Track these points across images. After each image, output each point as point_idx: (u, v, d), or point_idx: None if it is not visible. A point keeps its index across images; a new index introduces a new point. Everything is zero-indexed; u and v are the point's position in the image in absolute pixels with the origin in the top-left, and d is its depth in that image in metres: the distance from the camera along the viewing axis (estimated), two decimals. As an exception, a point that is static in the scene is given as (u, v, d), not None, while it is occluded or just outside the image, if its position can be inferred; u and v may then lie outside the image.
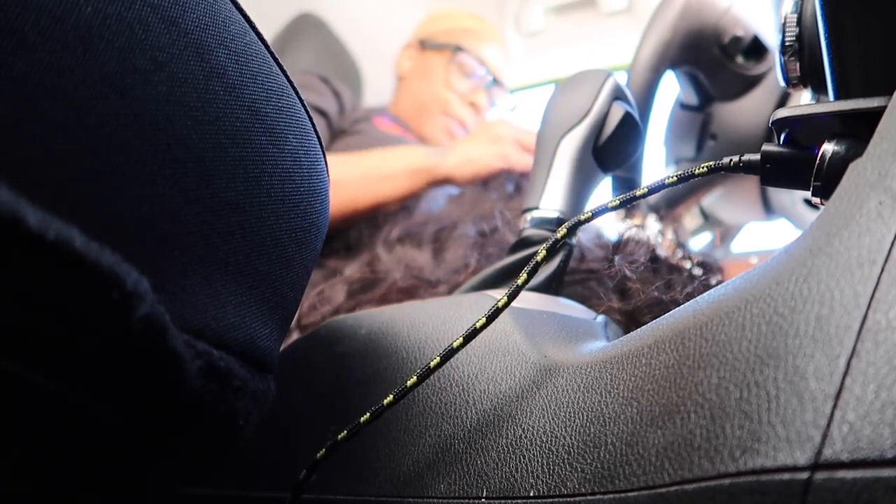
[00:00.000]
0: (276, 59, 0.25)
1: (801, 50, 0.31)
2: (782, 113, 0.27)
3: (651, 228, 0.60)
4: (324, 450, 0.28)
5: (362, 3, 1.44)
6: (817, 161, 0.26)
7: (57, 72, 0.18)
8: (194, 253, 0.22)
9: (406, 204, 0.79)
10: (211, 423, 0.24)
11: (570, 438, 0.24)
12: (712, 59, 0.69)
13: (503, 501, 0.25)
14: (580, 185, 0.44)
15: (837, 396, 0.16)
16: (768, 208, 0.77)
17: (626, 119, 0.45)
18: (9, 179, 0.16)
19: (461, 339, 0.27)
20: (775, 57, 0.38)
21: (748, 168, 0.29)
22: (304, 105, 0.27)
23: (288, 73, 0.26)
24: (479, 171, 0.80)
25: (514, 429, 0.26)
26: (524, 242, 0.43)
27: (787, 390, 0.17)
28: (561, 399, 0.25)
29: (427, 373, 0.27)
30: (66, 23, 0.18)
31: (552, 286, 0.40)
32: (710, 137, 0.75)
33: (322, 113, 0.96)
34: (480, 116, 1.12)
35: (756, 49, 0.69)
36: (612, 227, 0.58)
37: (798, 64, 0.31)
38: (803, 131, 0.27)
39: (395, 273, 0.58)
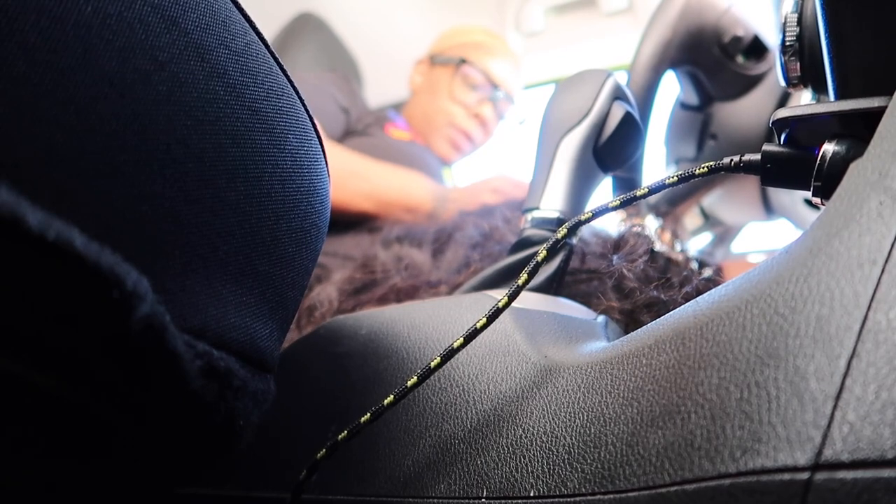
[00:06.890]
0: (276, 59, 0.25)
1: (801, 50, 0.31)
2: (783, 113, 0.27)
3: (651, 228, 0.60)
4: (324, 450, 0.28)
5: (362, 3, 1.44)
6: (818, 161, 0.25)
7: (57, 72, 0.18)
8: (194, 253, 0.22)
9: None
10: (211, 422, 0.24)
11: (571, 439, 0.24)
12: (712, 59, 0.69)
13: (503, 501, 0.25)
14: (580, 186, 0.44)
15: (838, 397, 0.16)
16: (768, 208, 0.77)
17: (627, 119, 0.45)
18: (9, 179, 0.16)
19: (461, 339, 0.27)
20: (775, 57, 0.38)
21: (748, 168, 0.29)
22: (304, 105, 0.27)
23: (288, 73, 0.26)
24: None
25: (514, 429, 0.26)
26: (524, 243, 0.42)
27: (788, 391, 0.17)
28: (561, 399, 0.25)
29: (427, 373, 0.27)
30: (66, 23, 0.18)
31: (552, 286, 0.40)
32: (711, 137, 0.75)
33: (345, 110, 1.02)
34: (487, 129, 1.14)
35: (756, 49, 0.69)
36: (612, 227, 0.58)
37: (798, 64, 0.31)
38: (804, 131, 0.27)
39: (394, 273, 0.57)
